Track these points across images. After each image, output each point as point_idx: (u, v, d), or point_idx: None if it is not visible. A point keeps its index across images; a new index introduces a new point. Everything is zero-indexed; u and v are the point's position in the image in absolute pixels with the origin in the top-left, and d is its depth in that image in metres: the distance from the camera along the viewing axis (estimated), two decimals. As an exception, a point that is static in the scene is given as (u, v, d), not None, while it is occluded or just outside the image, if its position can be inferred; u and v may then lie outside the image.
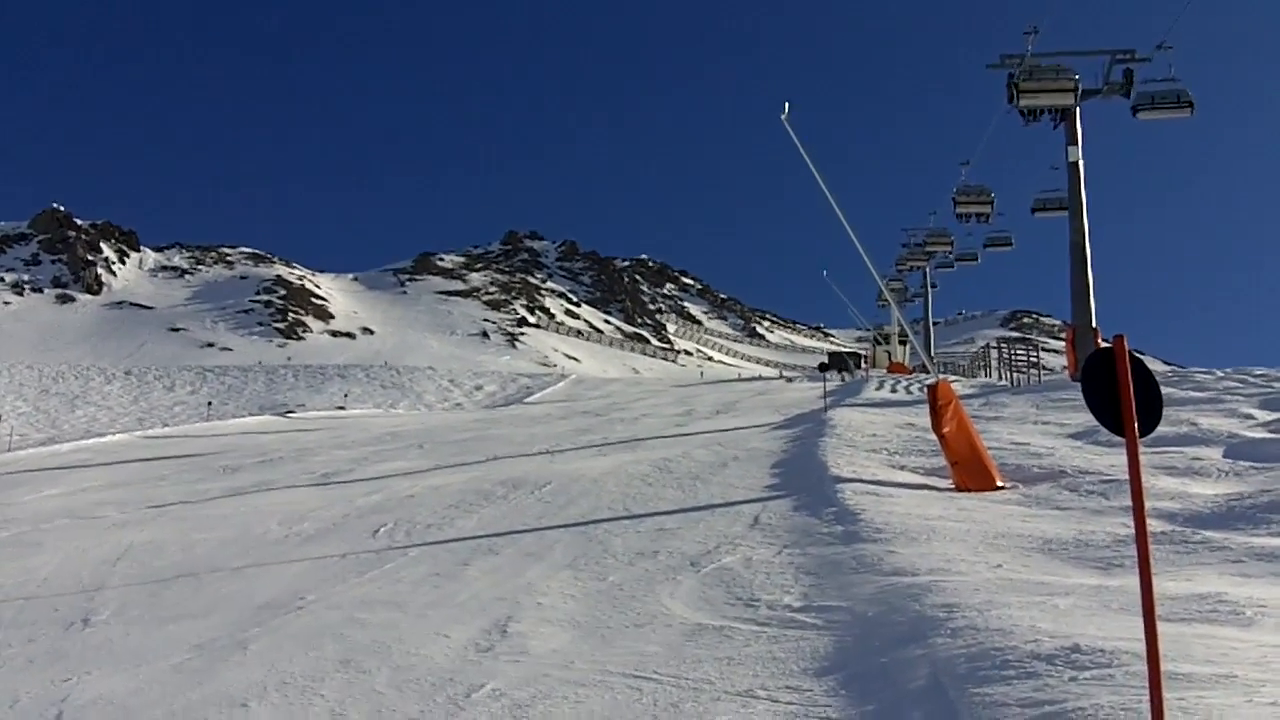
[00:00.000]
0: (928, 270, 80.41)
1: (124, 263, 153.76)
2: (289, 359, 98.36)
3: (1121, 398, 4.17)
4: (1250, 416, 18.36)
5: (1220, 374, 28.53)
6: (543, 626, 8.32)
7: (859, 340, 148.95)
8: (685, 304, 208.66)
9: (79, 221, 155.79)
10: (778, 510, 12.59)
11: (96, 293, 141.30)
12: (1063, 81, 35.65)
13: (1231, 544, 9.20)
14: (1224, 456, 14.36)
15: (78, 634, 9.38)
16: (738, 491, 14.35)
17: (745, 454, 18.52)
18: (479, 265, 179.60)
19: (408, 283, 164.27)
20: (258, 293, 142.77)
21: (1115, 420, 4.21)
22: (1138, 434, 4.18)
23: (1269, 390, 22.39)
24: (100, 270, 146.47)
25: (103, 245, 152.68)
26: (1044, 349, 48.50)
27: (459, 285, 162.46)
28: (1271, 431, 15.98)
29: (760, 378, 76.10)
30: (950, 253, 75.68)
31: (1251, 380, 25.72)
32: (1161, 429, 14.04)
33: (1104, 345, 4.35)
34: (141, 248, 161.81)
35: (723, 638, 7.58)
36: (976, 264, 74.14)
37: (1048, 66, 35.49)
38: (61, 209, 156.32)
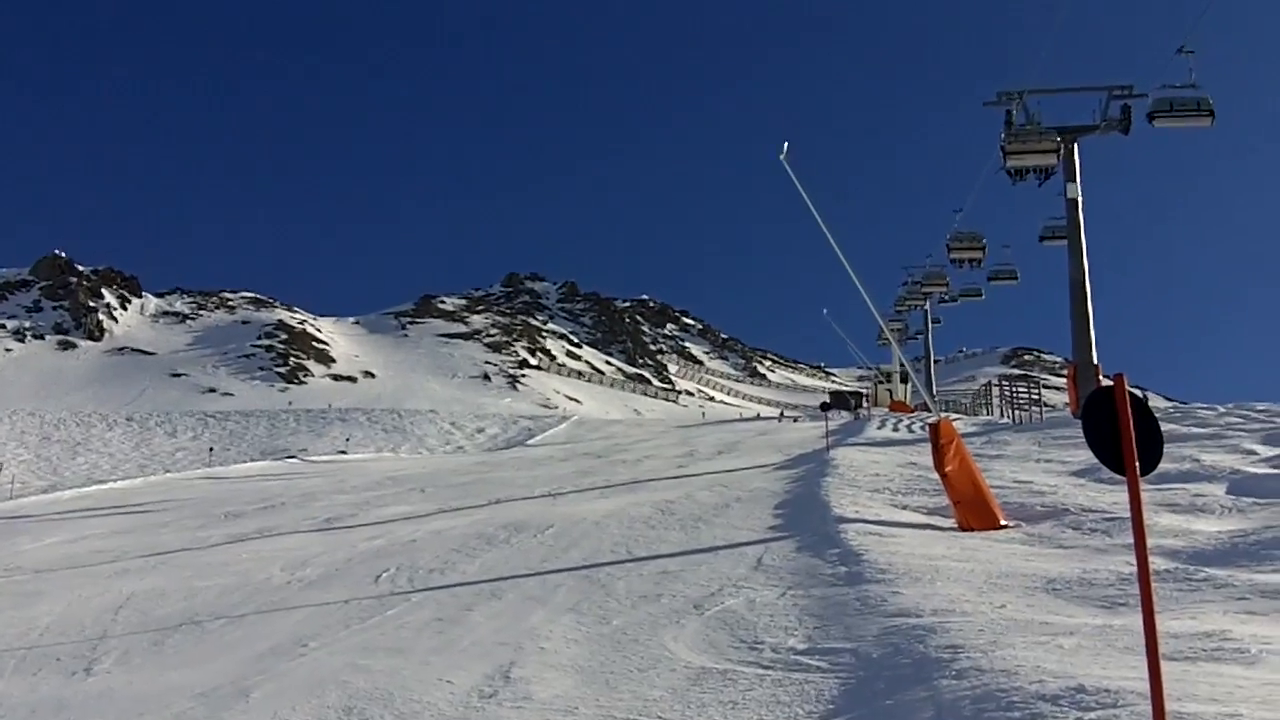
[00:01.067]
0: (928, 308, 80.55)
1: (125, 308, 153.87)
2: (290, 403, 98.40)
3: (1122, 437, 4.18)
4: (1253, 452, 18.35)
5: (1222, 409, 28.56)
6: (546, 671, 8.29)
7: (860, 379, 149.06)
8: (686, 344, 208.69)
9: (80, 267, 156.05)
10: (781, 551, 12.57)
11: (98, 339, 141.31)
12: (1045, 143, 37.34)
13: (1235, 581, 9.18)
14: (1227, 493, 14.34)
15: (80, 683, 9.35)
16: (741, 533, 14.32)
17: (748, 495, 18.50)
18: (480, 307, 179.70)
19: (409, 325, 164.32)
20: (259, 337, 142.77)
21: (1116, 459, 4.22)
22: (1138, 472, 4.19)
23: (1271, 425, 22.40)
24: (102, 316, 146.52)
25: (104, 291, 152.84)
26: (1045, 386, 48.52)
27: (460, 327, 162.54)
28: (1274, 467, 15.97)
29: (759, 417, 76.12)
30: (947, 293, 75.79)
31: (1254, 415, 25.73)
32: (1164, 465, 14.03)
33: (1104, 383, 4.35)
34: (143, 293, 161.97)
35: (727, 681, 7.55)
36: (981, 299, 74.16)
37: (1031, 129, 36.91)
38: (63, 255, 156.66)
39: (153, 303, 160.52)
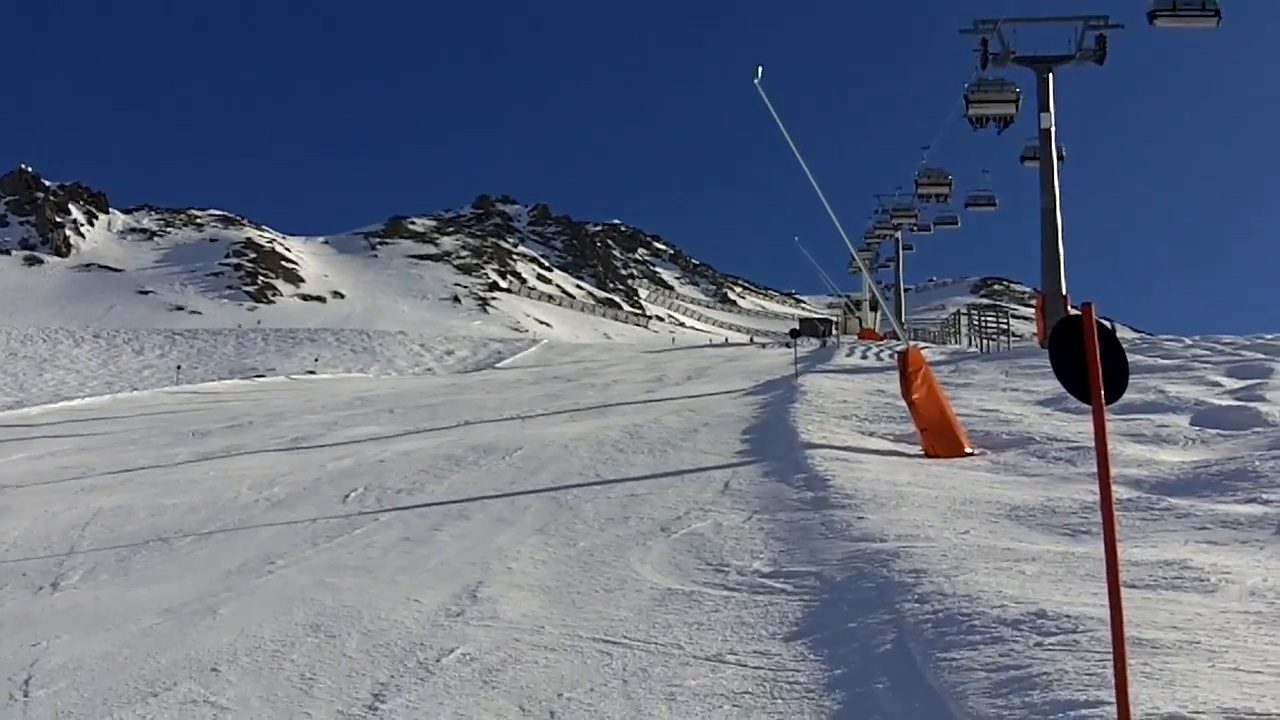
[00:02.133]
0: (899, 237, 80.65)
1: (93, 225, 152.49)
2: (259, 323, 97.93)
3: (1088, 366, 4.20)
4: (1218, 384, 18.50)
5: (1189, 341, 28.76)
6: (513, 591, 8.34)
7: (830, 307, 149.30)
8: (657, 269, 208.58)
9: (47, 183, 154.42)
10: (748, 476, 12.64)
11: (65, 255, 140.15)
12: (1006, 94, 40.67)
13: (1197, 511, 9.28)
14: (1191, 424, 14.46)
15: (46, 598, 9.36)
16: (708, 457, 14.39)
17: (716, 420, 18.56)
18: (450, 229, 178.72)
19: (379, 246, 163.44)
20: (227, 256, 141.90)
21: (1081, 387, 4.24)
22: (1104, 401, 4.21)
23: (1237, 358, 22.58)
24: (69, 232, 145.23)
25: (71, 207, 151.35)
26: (1014, 316, 48.73)
27: (430, 249, 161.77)
28: (1238, 399, 16.10)
29: (727, 343, 76.24)
30: (917, 223, 75.82)
31: (1220, 348, 25.93)
32: (1129, 396, 14.15)
33: (1073, 313, 4.36)
34: (110, 210, 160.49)
35: (692, 603, 7.61)
36: (957, 227, 74.30)
37: (993, 80, 39.41)
38: (29, 170, 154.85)
39: (120, 219, 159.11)
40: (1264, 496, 9.74)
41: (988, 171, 60.50)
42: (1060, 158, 35.75)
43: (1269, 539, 8.24)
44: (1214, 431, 13.74)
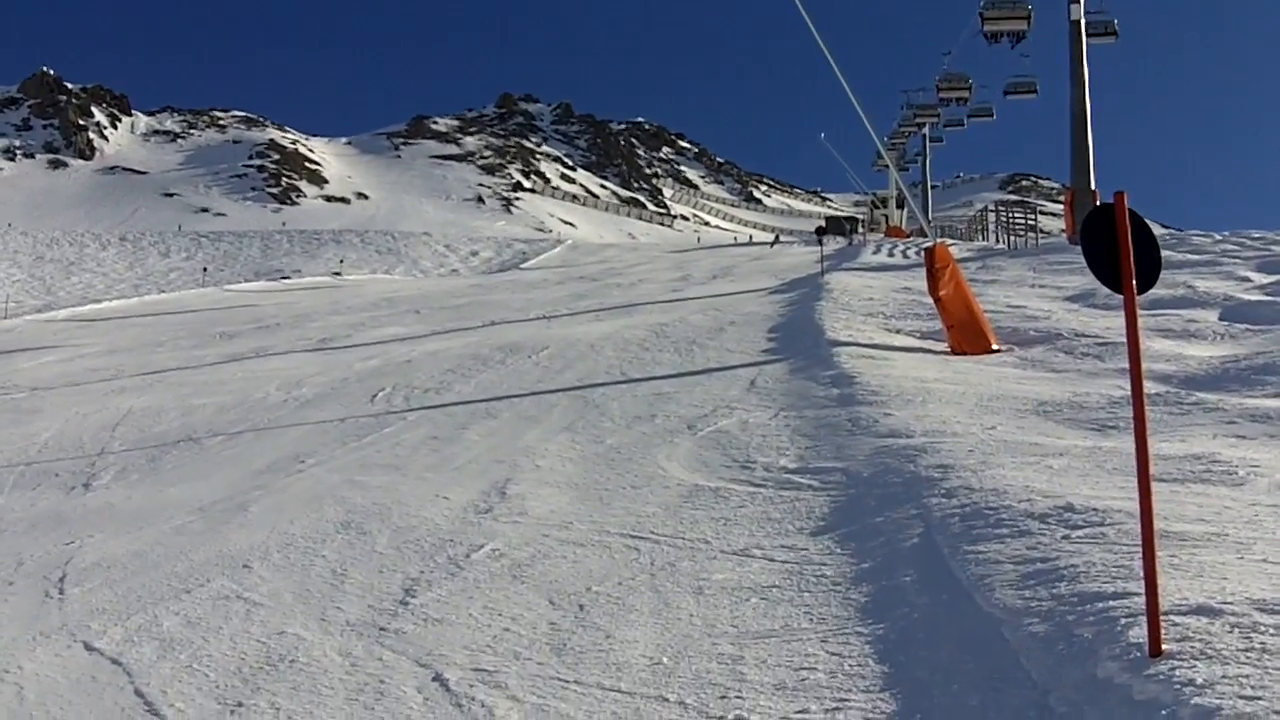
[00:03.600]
0: (927, 132, 79.63)
1: (116, 127, 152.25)
2: (283, 224, 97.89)
3: (1120, 253, 4.15)
4: (1247, 279, 18.36)
5: (1218, 237, 28.47)
6: (541, 488, 8.38)
7: (856, 204, 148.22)
8: (682, 168, 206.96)
9: (69, 85, 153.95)
10: (774, 374, 12.63)
11: (89, 158, 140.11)
12: (1019, 10, 43.17)
13: (1225, 405, 9.25)
14: (1220, 319, 14.38)
15: (79, 498, 9.47)
16: (734, 356, 14.38)
17: (742, 319, 18.53)
18: (473, 129, 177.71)
19: (402, 147, 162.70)
20: (251, 157, 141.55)
21: (1113, 277, 4.19)
22: (1136, 291, 4.16)
23: (1266, 253, 22.36)
24: (92, 135, 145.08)
25: (94, 109, 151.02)
26: (1042, 212, 48.39)
27: (454, 149, 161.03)
28: (1268, 294, 15.99)
29: (751, 241, 75.88)
30: (969, 97, 73.97)
31: (1249, 243, 25.66)
32: (1158, 291, 14.05)
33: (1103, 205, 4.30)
34: (133, 112, 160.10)
35: (719, 498, 7.64)
36: (992, 120, 72.91)
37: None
38: (51, 72, 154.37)
39: (143, 121, 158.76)
40: (1293, 390, 9.69)
41: (1028, 56, 59.40)
42: (1114, 34, 35.59)
43: (1298, 433, 8.21)
44: (1243, 326, 13.66)
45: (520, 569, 6.50)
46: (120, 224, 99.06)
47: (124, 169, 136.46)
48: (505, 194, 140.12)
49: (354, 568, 6.76)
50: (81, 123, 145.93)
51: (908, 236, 60.06)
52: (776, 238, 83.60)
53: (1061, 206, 54.20)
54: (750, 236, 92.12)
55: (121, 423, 12.74)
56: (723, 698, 4.58)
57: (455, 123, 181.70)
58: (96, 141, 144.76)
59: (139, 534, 8.00)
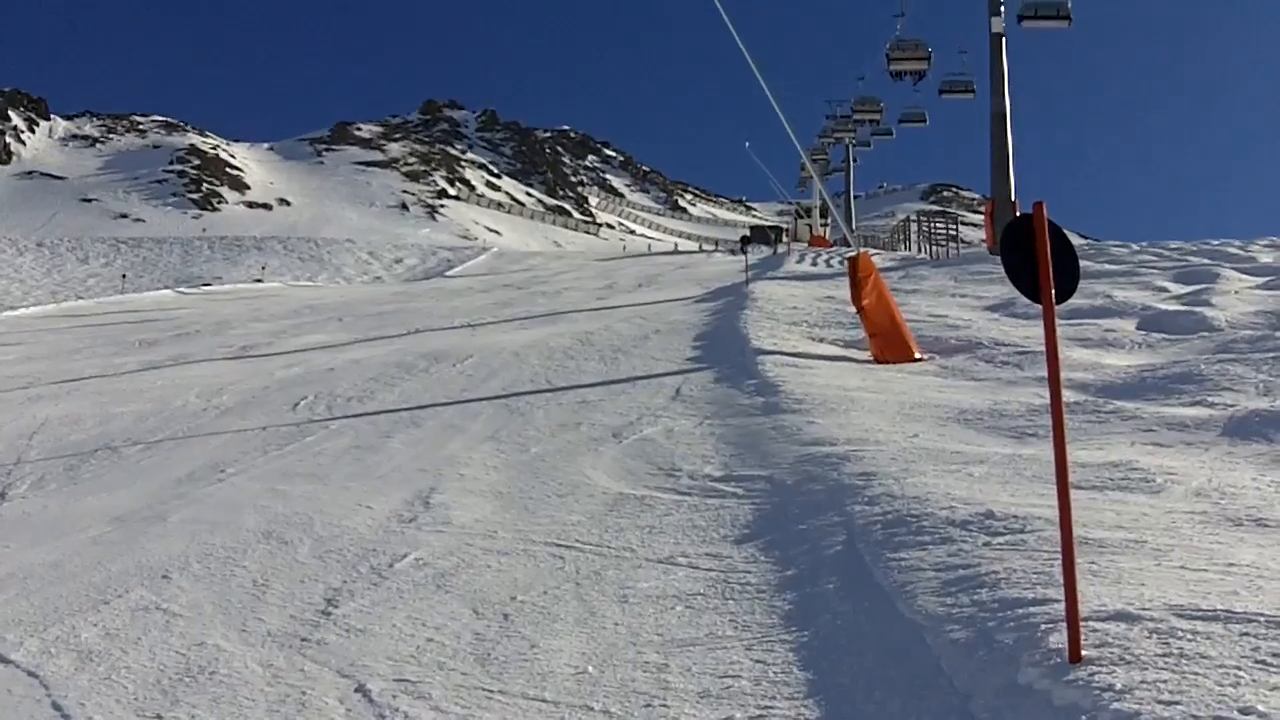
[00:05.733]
0: (849, 142, 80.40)
1: (33, 131, 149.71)
2: (204, 230, 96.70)
3: (1039, 264, 4.20)
4: (1164, 289, 18.69)
5: (1136, 247, 29.01)
6: (465, 497, 8.35)
7: (781, 214, 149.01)
8: (607, 176, 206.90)
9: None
10: (699, 382, 12.67)
11: (5, 162, 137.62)
12: (920, 52, 48.29)
13: (1143, 414, 9.40)
14: (1137, 328, 14.62)
15: (-6, 507, 9.28)
16: (659, 364, 14.41)
17: (667, 327, 18.58)
18: (397, 135, 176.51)
19: (325, 153, 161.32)
20: (171, 163, 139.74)
21: (1032, 287, 4.25)
22: (1054, 301, 4.22)
23: (1183, 264, 22.80)
24: (9, 139, 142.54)
25: (10, 113, 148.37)
26: (963, 223, 48.95)
27: (377, 156, 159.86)
28: (1185, 304, 16.27)
29: (677, 250, 76.12)
30: (881, 119, 75.26)
31: (1166, 254, 26.16)
32: (1076, 301, 14.25)
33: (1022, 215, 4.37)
34: (51, 115, 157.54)
35: (644, 507, 7.65)
36: (892, 139, 74.53)
37: (910, 40, 47.22)
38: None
39: (61, 125, 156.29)
40: (1209, 399, 9.87)
41: (964, 52, 60.06)
42: (1067, 18, 35.60)
43: (1214, 440, 8.37)
44: (1160, 336, 13.90)
45: (444, 578, 6.46)
46: (38, 229, 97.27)
47: (41, 174, 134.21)
48: (430, 201, 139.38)
49: (275, 578, 6.69)
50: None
51: (831, 246, 60.48)
52: (700, 247, 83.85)
53: (982, 217, 55.00)
54: (675, 245, 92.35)
55: (38, 431, 12.51)
56: (648, 706, 4.59)
57: (379, 129, 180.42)
58: (13, 145, 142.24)
59: (56, 544, 7.86)
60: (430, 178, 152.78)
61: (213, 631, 5.85)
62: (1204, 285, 18.31)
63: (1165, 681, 3.75)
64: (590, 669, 5.01)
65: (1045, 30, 36.69)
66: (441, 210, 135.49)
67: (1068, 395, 9.91)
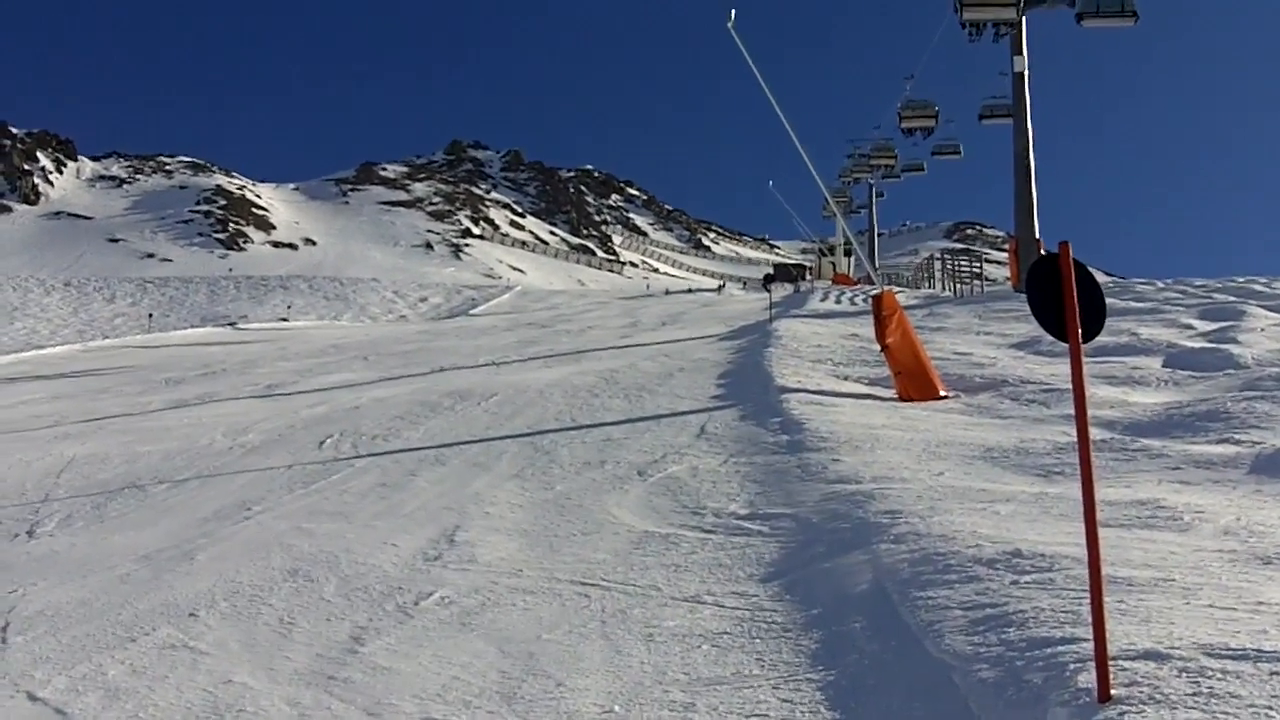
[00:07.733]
0: (873, 182, 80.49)
1: (61, 172, 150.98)
2: (230, 270, 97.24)
3: (1065, 302, 4.20)
4: (1190, 327, 18.61)
5: (1161, 285, 28.88)
6: (490, 535, 8.34)
7: (804, 252, 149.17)
8: (631, 215, 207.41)
9: (14, 130, 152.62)
10: (724, 420, 12.66)
11: (34, 203, 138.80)
12: (928, 110, 50.77)
13: (1170, 452, 9.35)
14: (1163, 366, 14.56)
15: (23, 545, 9.32)
16: (684, 402, 14.40)
17: (691, 365, 18.58)
18: (422, 175, 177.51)
19: (350, 193, 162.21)
20: (198, 203, 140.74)
21: (1058, 325, 4.24)
22: (1080, 339, 4.22)
23: (1208, 301, 22.69)
24: (37, 180, 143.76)
25: (39, 154, 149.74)
26: (987, 260, 48.94)
27: (402, 195, 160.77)
28: (1210, 341, 16.20)
29: (690, 290, 76.21)
30: (895, 166, 76.06)
31: (1191, 291, 26.04)
32: (1102, 339, 14.21)
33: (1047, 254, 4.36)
34: (79, 157, 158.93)
35: (669, 545, 7.64)
36: (923, 174, 74.62)
37: (919, 100, 42.97)
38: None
39: (89, 166, 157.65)
40: (1236, 437, 9.81)
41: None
42: (1133, 15, 34.93)
43: (1241, 478, 8.32)
44: (1186, 373, 13.83)
45: (469, 617, 6.46)
46: (65, 269, 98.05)
47: (69, 214, 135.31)
48: (454, 240, 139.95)
49: (301, 616, 6.70)
50: (26, 168, 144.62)
51: (855, 284, 60.46)
52: (722, 284, 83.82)
53: (1006, 254, 55.04)
54: (689, 288, 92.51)
55: (65, 469, 12.58)
56: (674, 745, 4.57)
57: (404, 169, 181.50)
58: (42, 186, 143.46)
59: (83, 582, 7.88)
60: (455, 217, 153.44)
61: (239, 669, 5.86)
62: (1230, 322, 18.23)
63: (1196, 721, 3.72)
64: (617, 708, 5.00)
65: (1108, 29, 35.69)
66: (466, 249, 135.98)
67: (1094, 433, 9.87)
